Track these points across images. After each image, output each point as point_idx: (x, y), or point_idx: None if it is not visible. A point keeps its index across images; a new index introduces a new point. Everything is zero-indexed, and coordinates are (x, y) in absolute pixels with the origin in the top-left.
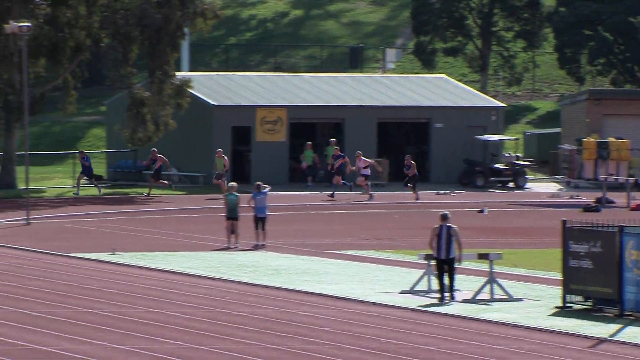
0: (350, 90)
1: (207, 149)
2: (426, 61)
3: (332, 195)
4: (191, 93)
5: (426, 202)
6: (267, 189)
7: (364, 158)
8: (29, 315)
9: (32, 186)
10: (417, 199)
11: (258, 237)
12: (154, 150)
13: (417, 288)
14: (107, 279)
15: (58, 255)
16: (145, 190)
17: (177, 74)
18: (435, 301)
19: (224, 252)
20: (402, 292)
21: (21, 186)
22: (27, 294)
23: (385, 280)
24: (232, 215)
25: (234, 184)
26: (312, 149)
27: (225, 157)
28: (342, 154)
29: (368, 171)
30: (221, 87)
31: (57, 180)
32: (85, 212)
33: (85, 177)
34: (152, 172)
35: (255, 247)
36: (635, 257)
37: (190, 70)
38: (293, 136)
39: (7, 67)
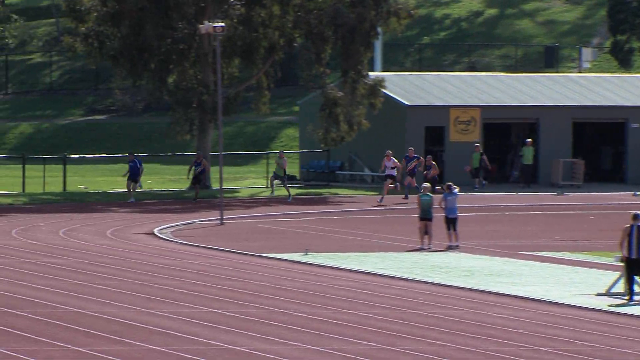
0: (545, 90)
1: (400, 149)
2: (623, 60)
3: (406, 197)
4: (384, 93)
5: (623, 204)
6: (457, 190)
7: (394, 159)
8: (222, 315)
9: (225, 186)
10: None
11: (451, 238)
12: (199, 153)
13: (614, 290)
14: (300, 280)
15: (251, 255)
16: (348, 192)
17: (370, 73)
18: (632, 303)
19: (417, 253)
20: (599, 295)
21: (215, 186)
22: (220, 294)
23: (580, 282)
24: (425, 216)
25: (428, 184)
26: (480, 150)
27: (285, 159)
28: (416, 155)
29: (394, 172)
30: (414, 87)
31: (250, 180)
32: (279, 212)
33: (133, 181)
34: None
35: (449, 248)
36: None
37: (383, 70)
38: (487, 136)
39: (201, 68)
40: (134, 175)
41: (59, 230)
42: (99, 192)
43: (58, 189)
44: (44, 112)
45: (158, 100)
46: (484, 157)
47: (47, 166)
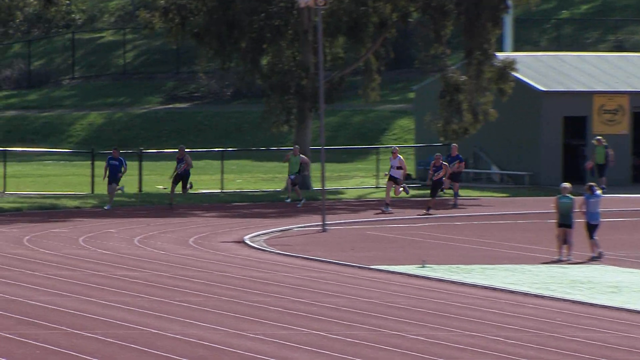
0: None
1: (534, 143)
2: None
3: (455, 206)
4: (515, 77)
5: None
6: (599, 191)
7: (401, 156)
8: (324, 338)
9: (328, 186)
10: (428, 208)
11: (594, 248)
12: (182, 147)
13: None
14: (416, 296)
15: (358, 267)
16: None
17: (498, 54)
18: None
19: (554, 265)
20: None
21: (316, 186)
22: (322, 313)
23: None
24: (564, 221)
25: (567, 184)
26: (604, 143)
27: (303, 157)
28: (459, 155)
29: (399, 173)
30: (551, 69)
31: (357, 179)
32: (391, 217)
33: (113, 184)
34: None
35: (592, 260)
36: None
37: (514, 50)
38: (636, 128)
39: (300, 47)
40: (114, 176)
41: (134, 237)
42: (179, 194)
43: (132, 189)
44: (117, 99)
45: (249, 85)
46: (610, 151)
47: None
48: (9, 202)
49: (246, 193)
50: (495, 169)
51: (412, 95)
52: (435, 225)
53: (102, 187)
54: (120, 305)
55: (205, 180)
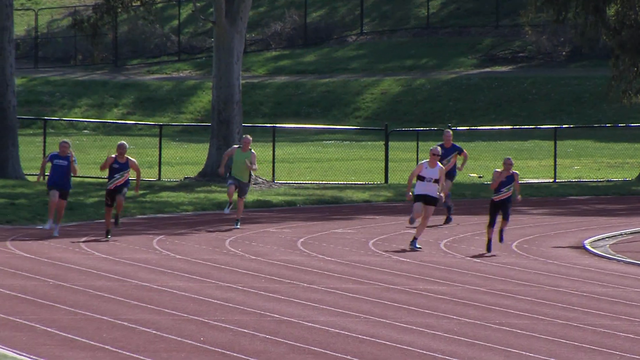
0: None
1: None
2: None
3: (448, 219)
4: None
5: None
6: None
7: (441, 164)
8: None
9: None
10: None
11: None
12: (121, 145)
13: None
14: None
15: None
16: None
17: None
18: None
19: None
20: None
21: None
22: None
23: None
24: None
25: None
26: None
27: (254, 153)
28: (456, 145)
29: (435, 188)
30: None
31: None
32: None
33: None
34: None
35: None
36: None
37: None
38: None
39: None
40: (59, 184)
41: (439, 241)
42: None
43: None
44: (418, 61)
45: (592, 43)
46: None
47: (421, 143)
48: (278, 195)
49: (586, 183)
50: None
51: None
52: None
53: (398, 176)
54: (421, 328)
55: (533, 167)
